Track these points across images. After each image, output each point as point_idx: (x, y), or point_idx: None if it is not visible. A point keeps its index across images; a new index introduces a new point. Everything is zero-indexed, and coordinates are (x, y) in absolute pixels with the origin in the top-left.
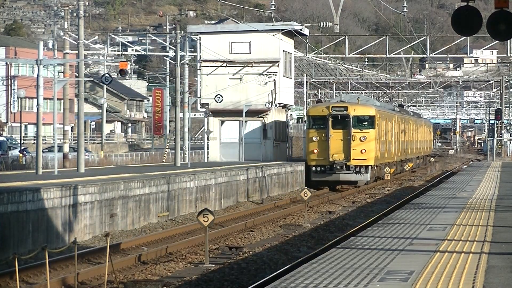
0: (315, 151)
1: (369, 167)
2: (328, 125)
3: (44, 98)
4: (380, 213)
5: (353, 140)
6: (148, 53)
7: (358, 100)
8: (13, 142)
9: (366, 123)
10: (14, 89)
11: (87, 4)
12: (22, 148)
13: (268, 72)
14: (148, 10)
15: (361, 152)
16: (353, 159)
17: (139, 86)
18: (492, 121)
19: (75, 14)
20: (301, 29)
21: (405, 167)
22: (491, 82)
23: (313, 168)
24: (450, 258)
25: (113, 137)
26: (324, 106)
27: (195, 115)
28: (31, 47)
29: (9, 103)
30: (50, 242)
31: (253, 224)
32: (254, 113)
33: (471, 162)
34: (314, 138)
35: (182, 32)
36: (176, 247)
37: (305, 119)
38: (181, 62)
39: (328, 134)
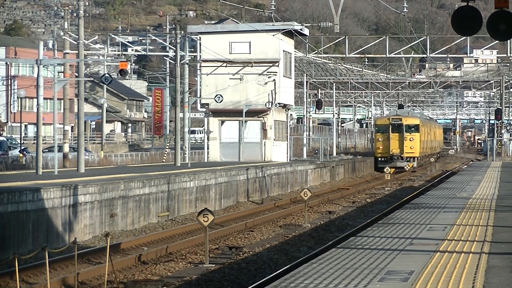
0: (380, 147)
1: (416, 158)
2: (389, 130)
3: (44, 98)
4: (380, 213)
5: (405, 140)
6: (148, 53)
7: (408, 114)
8: (13, 142)
9: (414, 129)
10: (14, 89)
11: (87, 4)
12: (22, 148)
13: (268, 72)
14: (148, 10)
15: (410, 148)
16: (405, 152)
17: (139, 86)
18: (492, 121)
19: (75, 14)
20: (301, 29)
21: (405, 167)
22: (491, 82)
23: (379, 158)
24: (450, 258)
25: (113, 137)
26: (386, 118)
27: (195, 115)
28: (31, 47)
29: (9, 103)
30: (50, 242)
31: (253, 224)
32: (254, 113)
33: (471, 162)
34: (380, 139)
35: (182, 32)
36: (176, 247)
37: (373, 127)
38: (181, 62)
39: (389, 136)
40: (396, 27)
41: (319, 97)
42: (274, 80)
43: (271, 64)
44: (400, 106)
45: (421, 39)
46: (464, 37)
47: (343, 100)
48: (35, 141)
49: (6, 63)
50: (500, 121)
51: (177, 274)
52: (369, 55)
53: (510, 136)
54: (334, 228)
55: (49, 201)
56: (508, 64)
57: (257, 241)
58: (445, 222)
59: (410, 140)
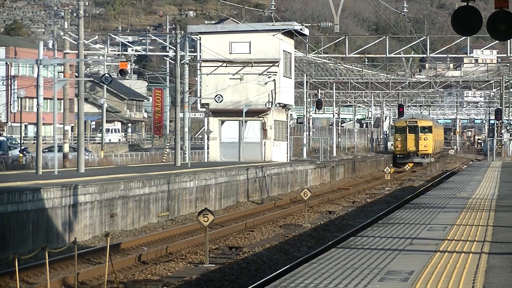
0: (399, 145)
1: (429, 154)
2: (406, 131)
3: (44, 98)
4: (380, 213)
5: (420, 139)
6: (148, 53)
7: (422, 117)
8: (13, 142)
9: (427, 130)
10: (14, 89)
11: (87, 4)
12: (22, 148)
13: (268, 72)
14: (148, 10)
15: (425, 146)
16: (420, 150)
17: (139, 86)
18: (492, 121)
19: (75, 14)
20: (301, 29)
21: (406, 167)
22: (491, 82)
23: (398, 155)
24: (450, 258)
25: None
26: (403, 121)
27: (195, 115)
28: (31, 47)
29: (9, 103)
30: (50, 242)
31: (253, 224)
32: (254, 113)
33: (471, 162)
34: (399, 139)
35: (182, 32)
36: (176, 247)
37: (392, 128)
38: (181, 62)
39: (406, 136)
40: (396, 27)
41: (319, 97)
42: (274, 80)
43: (271, 64)
44: (400, 106)
45: (421, 39)
46: (464, 37)
47: (343, 100)
48: (35, 141)
49: (6, 63)
50: (500, 121)
51: (177, 274)
52: (369, 55)
53: (510, 136)
54: (334, 228)
55: (49, 201)
56: (508, 64)
57: (257, 241)
58: (445, 222)
59: (425, 140)
